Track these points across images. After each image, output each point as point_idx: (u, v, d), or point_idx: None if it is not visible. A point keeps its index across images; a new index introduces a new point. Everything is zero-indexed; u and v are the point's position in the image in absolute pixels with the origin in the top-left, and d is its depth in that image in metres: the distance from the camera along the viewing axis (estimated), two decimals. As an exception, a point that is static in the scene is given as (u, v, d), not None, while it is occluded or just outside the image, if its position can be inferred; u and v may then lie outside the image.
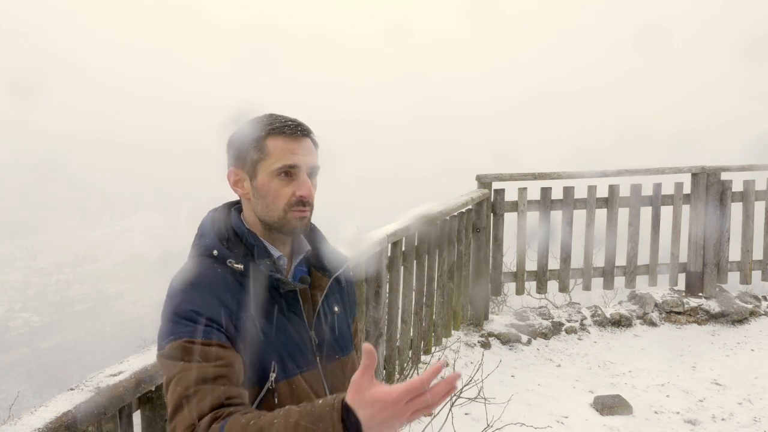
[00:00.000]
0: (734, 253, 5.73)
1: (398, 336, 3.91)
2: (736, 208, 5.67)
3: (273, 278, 1.28)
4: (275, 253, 1.34)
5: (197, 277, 1.27)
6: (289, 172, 1.30)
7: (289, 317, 1.32)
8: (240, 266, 1.28)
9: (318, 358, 1.35)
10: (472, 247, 5.19)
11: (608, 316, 5.45)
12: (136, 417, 1.70)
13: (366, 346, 1.02)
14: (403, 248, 3.87)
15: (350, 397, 1.03)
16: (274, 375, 1.26)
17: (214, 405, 1.14)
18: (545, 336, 5.17)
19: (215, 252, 1.29)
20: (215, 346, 1.19)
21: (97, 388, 1.50)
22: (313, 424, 1.04)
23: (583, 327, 5.35)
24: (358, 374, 1.02)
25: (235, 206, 1.40)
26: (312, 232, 1.43)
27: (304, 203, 1.31)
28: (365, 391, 1.01)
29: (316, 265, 1.41)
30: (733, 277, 5.78)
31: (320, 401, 1.08)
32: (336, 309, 1.43)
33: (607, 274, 5.68)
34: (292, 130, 1.30)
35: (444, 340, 4.67)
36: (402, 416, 1.01)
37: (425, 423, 3.41)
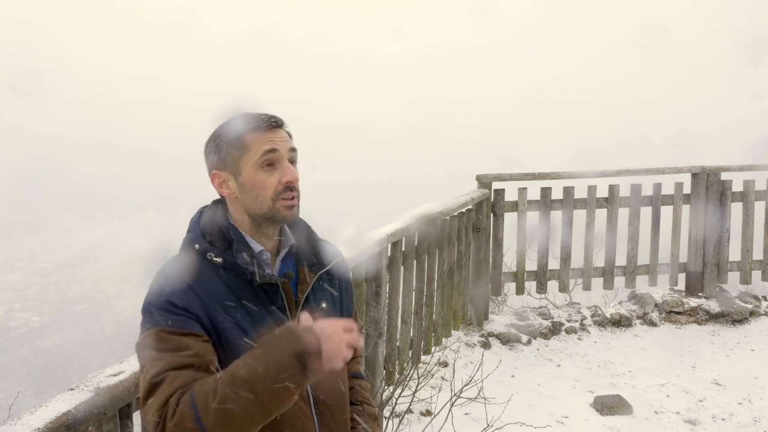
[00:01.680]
0: (734, 253, 5.73)
1: (398, 336, 3.91)
2: (736, 208, 5.67)
3: (249, 271, 1.30)
4: (256, 247, 1.37)
5: (176, 270, 1.31)
6: (270, 161, 1.33)
7: (272, 312, 1.34)
8: (219, 260, 1.31)
9: None
10: (472, 247, 5.18)
11: (608, 316, 5.45)
12: (136, 417, 1.70)
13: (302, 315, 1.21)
14: (403, 248, 3.87)
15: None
16: None
17: (181, 385, 1.18)
18: (545, 336, 5.17)
19: (197, 246, 1.33)
20: (187, 336, 1.23)
21: (97, 388, 1.50)
22: (274, 344, 1.16)
23: (583, 327, 5.35)
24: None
25: (223, 203, 1.43)
26: (301, 228, 1.45)
27: (291, 189, 1.35)
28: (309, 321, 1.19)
29: (303, 261, 1.43)
30: (733, 277, 5.77)
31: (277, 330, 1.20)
32: (324, 305, 1.43)
33: (607, 274, 5.68)
34: (266, 122, 1.35)
35: (444, 340, 4.67)
36: (341, 339, 1.17)
37: (425, 423, 3.42)
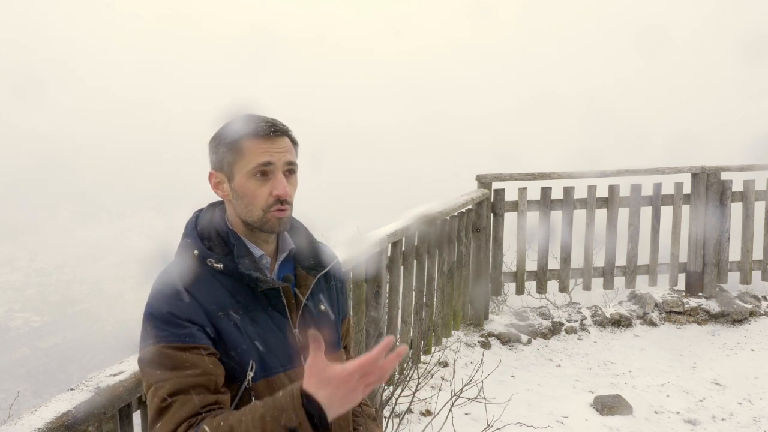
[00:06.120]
0: (734, 253, 5.73)
1: (398, 336, 3.91)
2: (736, 208, 5.67)
3: (252, 277, 1.29)
4: (256, 252, 1.35)
5: (177, 277, 1.28)
6: (264, 172, 1.30)
7: (272, 316, 1.33)
8: (219, 265, 1.29)
9: (303, 356, 1.35)
10: (472, 247, 5.18)
11: (608, 316, 5.45)
12: (136, 417, 1.70)
13: (310, 332, 1.06)
14: (403, 248, 3.87)
15: (307, 382, 1.07)
16: (251, 374, 1.27)
17: (189, 414, 1.16)
18: (545, 336, 5.17)
19: (196, 252, 1.31)
20: (192, 352, 1.21)
21: (97, 388, 1.50)
22: (277, 414, 1.08)
23: (583, 327, 5.35)
24: (309, 360, 1.07)
25: (220, 206, 1.41)
26: (298, 231, 1.44)
27: (281, 202, 1.31)
28: (320, 374, 1.06)
29: (301, 264, 1.42)
30: (733, 277, 5.78)
31: (281, 392, 1.12)
32: (322, 307, 1.43)
33: (607, 274, 5.68)
34: (265, 130, 1.30)
35: (444, 340, 4.67)
36: (357, 391, 1.07)
37: (425, 423, 3.42)
